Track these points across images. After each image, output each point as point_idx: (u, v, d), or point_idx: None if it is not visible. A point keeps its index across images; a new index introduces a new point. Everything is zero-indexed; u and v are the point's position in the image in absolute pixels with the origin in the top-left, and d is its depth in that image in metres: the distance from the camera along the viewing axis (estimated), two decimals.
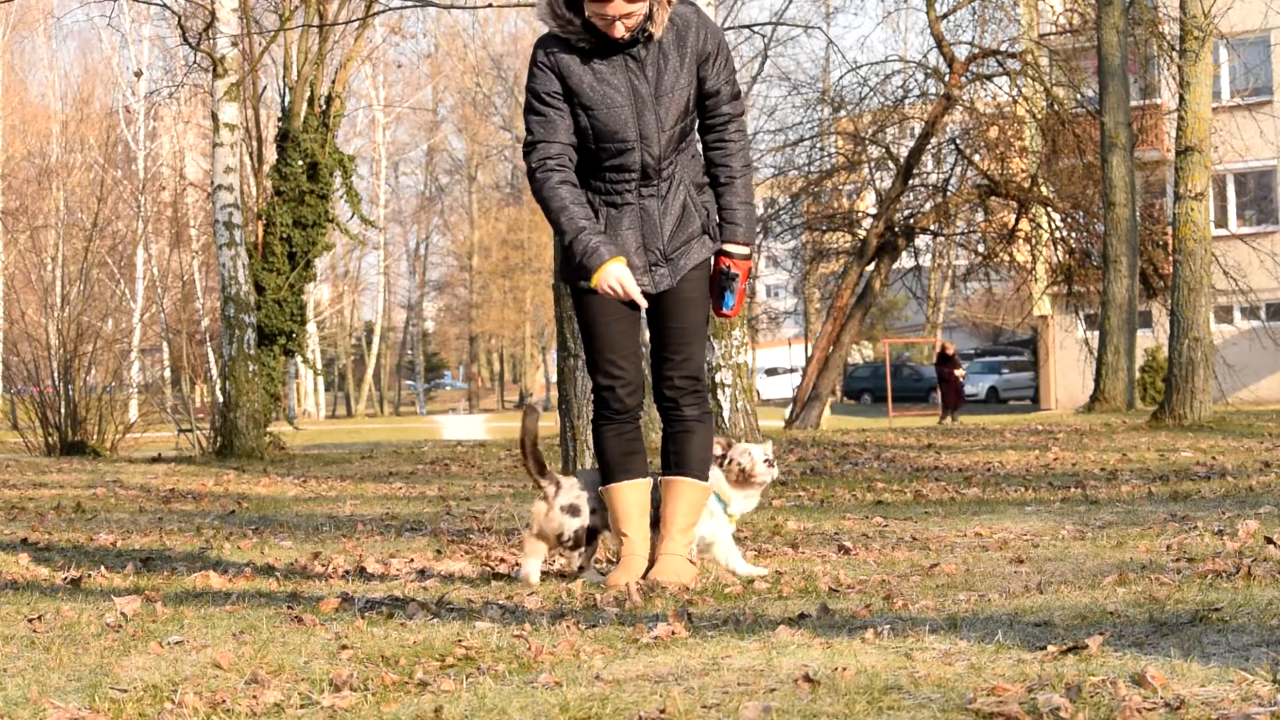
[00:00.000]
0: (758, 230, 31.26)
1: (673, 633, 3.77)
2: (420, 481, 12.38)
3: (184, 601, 4.85)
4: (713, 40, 4.99)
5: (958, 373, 32.33)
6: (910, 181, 25.63)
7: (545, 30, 5.01)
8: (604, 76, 4.91)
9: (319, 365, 54.64)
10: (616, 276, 4.87)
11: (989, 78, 25.84)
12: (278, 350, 22.44)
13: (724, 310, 5.08)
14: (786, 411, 27.50)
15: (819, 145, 28.09)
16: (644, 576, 5.07)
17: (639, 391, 5.16)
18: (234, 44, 17.70)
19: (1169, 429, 15.11)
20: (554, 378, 55.46)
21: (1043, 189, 25.55)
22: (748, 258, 5.12)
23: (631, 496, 5.14)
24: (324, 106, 22.64)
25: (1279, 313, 34.38)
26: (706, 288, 5.11)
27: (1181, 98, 16.21)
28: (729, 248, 5.08)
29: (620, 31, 4.84)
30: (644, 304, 4.97)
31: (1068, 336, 36.10)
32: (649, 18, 4.88)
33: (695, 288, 5.07)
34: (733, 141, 5.07)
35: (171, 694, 3.25)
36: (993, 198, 26.00)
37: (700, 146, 5.16)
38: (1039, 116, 25.16)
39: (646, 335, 5.28)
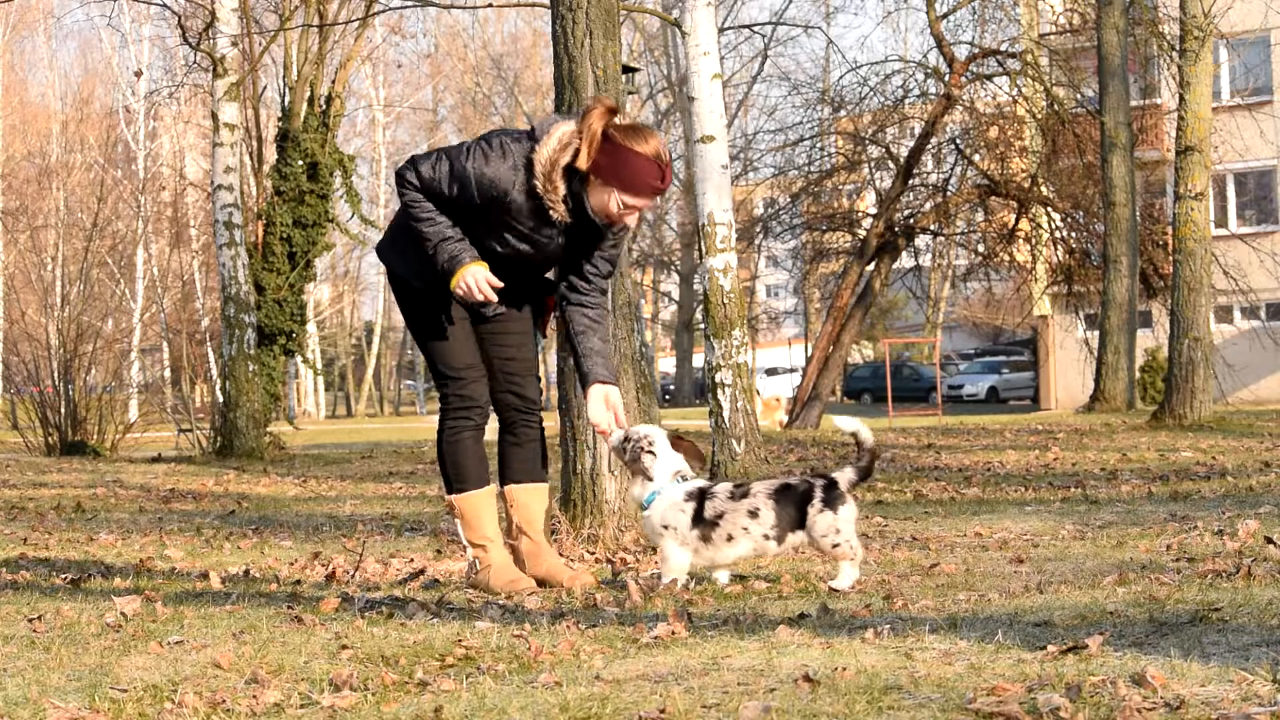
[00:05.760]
0: (756, 230, 31.33)
1: (673, 633, 3.77)
2: (420, 481, 12.38)
3: (184, 601, 4.85)
4: (624, 235, 5.04)
5: None
6: (910, 181, 25.61)
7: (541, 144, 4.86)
8: (535, 228, 4.89)
9: (319, 365, 54.63)
10: (474, 275, 4.83)
11: (989, 78, 25.82)
12: (278, 350, 22.44)
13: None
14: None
15: (819, 145, 28.08)
16: (539, 577, 5.17)
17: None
18: (234, 44, 17.69)
19: (1169, 429, 15.11)
20: (554, 378, 55.49)
21: (1043, 189, 25.53)
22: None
23: (492, 503, 5.23)
24: (324, 106, 22.64)
25: (1279, 313, 34.36)
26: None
27: (1181, 98, 16.21)
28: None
29: (617, 220, 4.85)
30: (495, 301, 4.92)
31: (1068, 336, 36.08)
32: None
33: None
34: (597, 306, 5.05)
35: (171, 694, 3.25)
36: (993, 198, 25.98)
37: None
38: (1039, 116, 25.15)
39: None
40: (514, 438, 5.20)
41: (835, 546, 4.83)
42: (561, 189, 4.78)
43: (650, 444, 4.97)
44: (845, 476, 4.90)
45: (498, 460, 5.26)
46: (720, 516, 4.88)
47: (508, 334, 5.16)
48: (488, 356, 5.16)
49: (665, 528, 4.91)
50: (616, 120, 4.81)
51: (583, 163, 4.75)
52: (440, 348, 5.06)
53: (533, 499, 5.21)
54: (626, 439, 5.00)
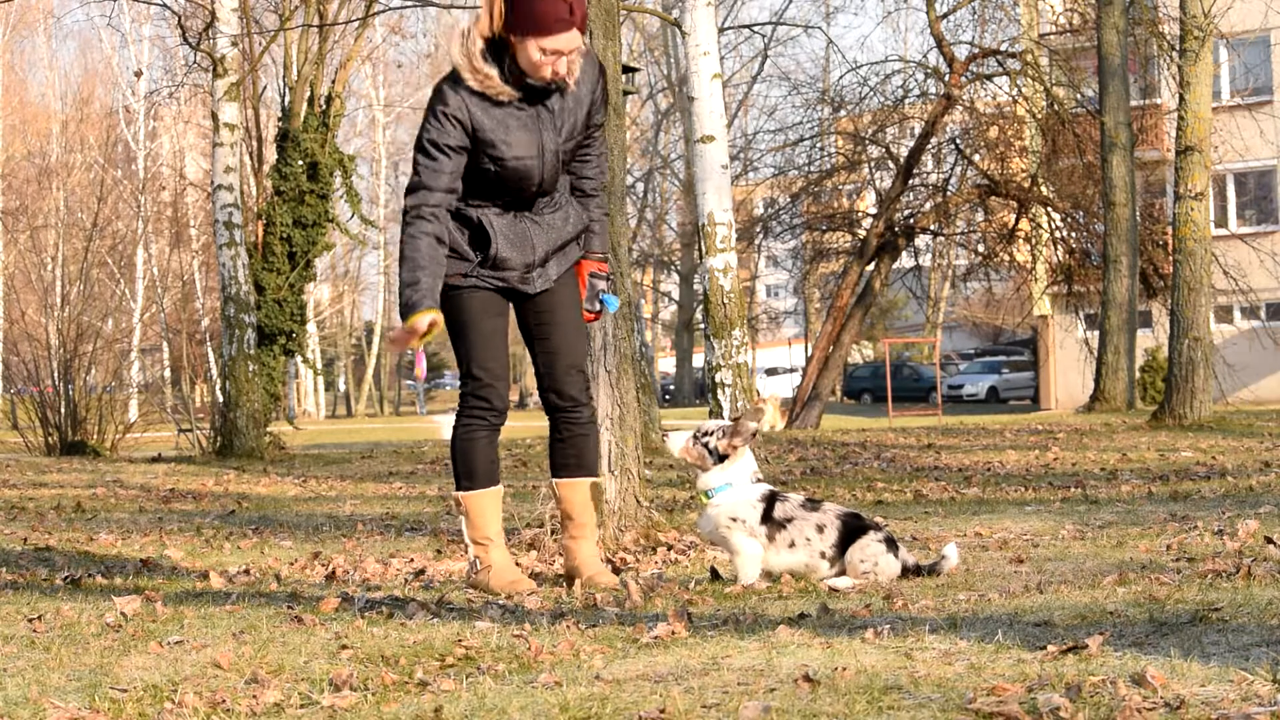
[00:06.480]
0: (756, 230, 31.37)
1: (673, 633, 3.77)
2: (420, 481, 12.38)
3: (184, 601, 4.85)
4: (600, 80, 5.09)
5: None
6: (910, 181, 25.64)
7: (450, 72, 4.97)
8: (514, 130, 4.91)
9: (319, 365, 54.65)
10: (429, 321, 4.85)
11: (989, 78, 25.85)
12: (278, 350, 22.45)
13: (609, 310, 5.23)
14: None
15: (819, 145, 28.12)
16: (573, 577, 5.15)
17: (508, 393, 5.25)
18: (234, 44, 17.70)
19: (1169, 429, 15.11)
20: None
21: (1043, 189, 25.55)
22: (605, 261, 5.27)
23: (497, 503, 5.22)
24: (324, 106, 22.64)
25: (1279, 313, 34.38)
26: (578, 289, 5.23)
27: (1181, 98, 16.21)
28: (591, 255, 5.23)
29: (548, 74, 4.84)
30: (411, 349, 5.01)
31: (1068, 336, 36.09)
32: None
33: (573, 287, 5.20)
34: (599, 155, 5.21)
35: (171, 694, 3.25)
36: (993, 198, 26.01)
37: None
38: (1039, 116, 25.17)
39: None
40: (557, 434, 5.23)
41: (864, 574, 4.86)
42: (493, 72, 4.83)
43: (735, 440, 4.96)
44: (906, 553, 5.02)
45: (548, 454, 5.32)
46: (789, 521, 4.91)
47: (554, 324, 5.13)
48: (533, 351, 5.18)
49: (734, 520, 4.90)
50: None
51: (484, 28, 4.82)
52: (471, 346, 5.07)
53: (573, 493, 5.21)
54: (707, 431, 5.00)
